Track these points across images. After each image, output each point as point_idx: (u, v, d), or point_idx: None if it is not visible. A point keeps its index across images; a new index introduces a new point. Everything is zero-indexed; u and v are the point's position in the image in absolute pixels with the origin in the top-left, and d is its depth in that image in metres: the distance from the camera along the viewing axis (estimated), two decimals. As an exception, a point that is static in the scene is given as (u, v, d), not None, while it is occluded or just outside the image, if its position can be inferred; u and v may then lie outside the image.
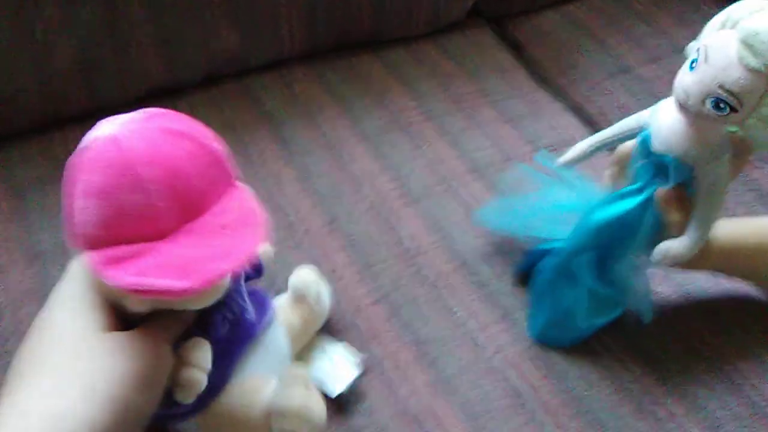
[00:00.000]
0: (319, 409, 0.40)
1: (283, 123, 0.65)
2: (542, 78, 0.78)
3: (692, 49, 0.39)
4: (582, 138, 0.50)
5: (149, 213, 0.31)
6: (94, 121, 0.62)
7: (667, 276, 0.56)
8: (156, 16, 0.62)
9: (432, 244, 0.57)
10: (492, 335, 0.52)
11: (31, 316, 0.48)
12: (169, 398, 0.36)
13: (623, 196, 0.46)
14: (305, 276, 0.48)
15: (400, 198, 0.60)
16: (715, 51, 0.37)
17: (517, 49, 0.81)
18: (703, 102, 0.38)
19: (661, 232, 0.45)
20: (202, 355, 0.37)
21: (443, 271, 0.55)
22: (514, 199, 0.55)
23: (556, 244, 0.51)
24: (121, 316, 0.35)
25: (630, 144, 0.47)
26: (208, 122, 0.35)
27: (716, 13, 0.39)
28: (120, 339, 0.33)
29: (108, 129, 0.32)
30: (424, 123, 0.67)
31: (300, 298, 0.47)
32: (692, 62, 0.38)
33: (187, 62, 0.66)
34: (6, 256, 0.53)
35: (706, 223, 0.43)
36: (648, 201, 0.45)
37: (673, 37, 0.80)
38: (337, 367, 0.47)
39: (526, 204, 0.54)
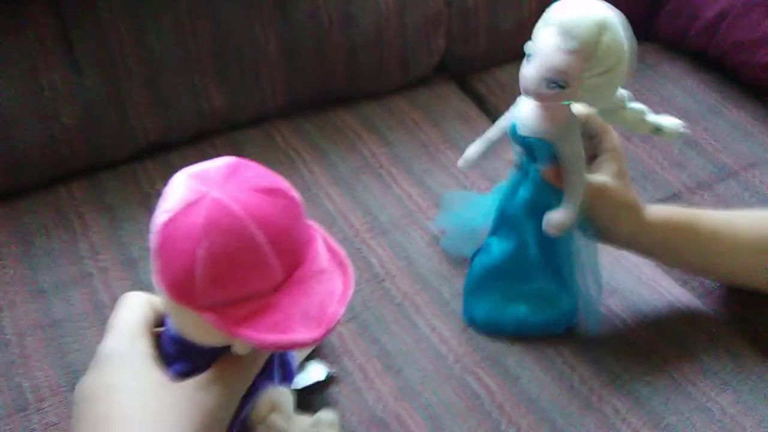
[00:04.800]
0: None
1: (265, 170, 0.73)
2: (503, 124, 0.86)
3: (527, 48, 0.47)
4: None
5: (266, 271, 0.34)
6: (97, 175, 0.70)
7: (614, 291, 0.62)
8: (152, 81, 0.70)
9: (398, 269, 0.63)
10: (452, 347, 0.57)
11: (34, 345, 0.55)
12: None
13: (517, 185, 0.54)
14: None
15: (370, 230, 0.66)
16: (540, 43, 0.46)
17: (479, 100, 0.89)
18: (540, 85, 0.46)
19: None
20: (289, 403, 0.42)
21: (408, 292, 0.61)
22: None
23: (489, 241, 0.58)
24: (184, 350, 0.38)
25: None
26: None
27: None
28: (190, 390, 0.36)
29: (196, 187, 0.34)
30: (393, 166, 0.74)
31: None
32: (528, 57, 0.47)
33: (180, 121, 0.74)
34: (13, 293, 0.59)
35: (576, 192, 0.50)
36: (535, 181, 0.52)
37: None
38: (308, 371, 0.52)
39: (471, 202, 0.63)
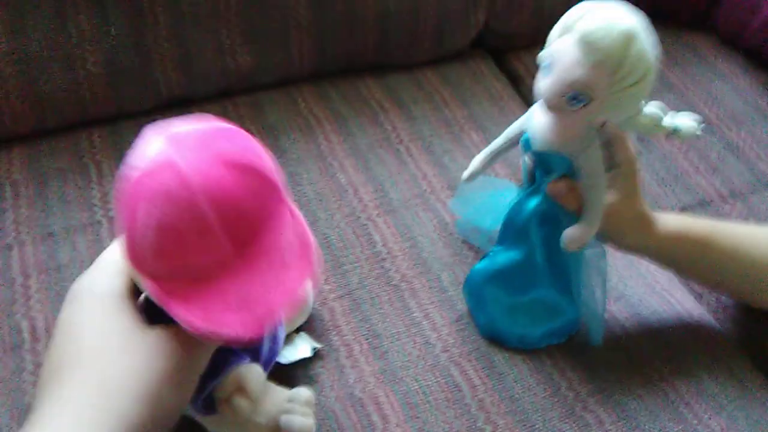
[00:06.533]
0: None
1: (282, 134, 0.72)
2: (536, 108, 0.83)
3: (542, 57, 0.44)
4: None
5: (210, 245, 0.32)
6: (118, 124, 0.71)
7: (621, 296, 0.59)
8: (178, 33, 0.70)
9: (401, 250, 0.62)
10: (442, 336, 0.56)
11: (37, 286, 0.56)
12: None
13: (528, 196, 0.51)
14: (306, 287, 0.52)
15: (378, 207, 0.65)
16: (560, 54, 0.42)
17: (515, 80, 0.86)
18: (560, 100, 0.43)
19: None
20: (257, 384, 0.41)
21: (407, 275, 0.60)
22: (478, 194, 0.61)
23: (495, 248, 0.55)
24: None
25: None
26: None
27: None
28: (160, 336, 0.35)
29: (164, 151, 0.32)
30: (412, 143, 0.73)
31: None
32: (545, 67, 0.43)
33: (203, 76, 0.74)
34: (24, 233, 0.61)
35: (595, 207, 0.48)
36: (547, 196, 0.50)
37: (664, 75, 0.84)
38: (295, 345, 0.52)
39: (484, 199, 0.60)
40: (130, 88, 0.71)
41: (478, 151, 0.72)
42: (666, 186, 0.71)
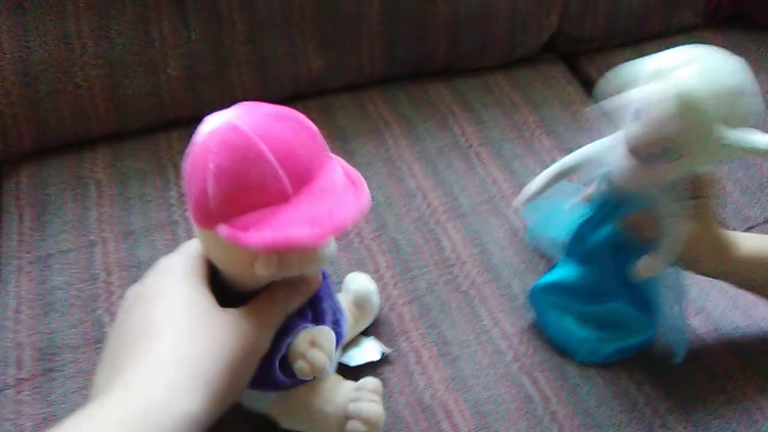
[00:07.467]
0: (384, 420, 0.46)
1: (352, 137, 0.73)
2: (610, 113, 0.80)
3: (635, 99, 0.41)
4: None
5: (273, 180, 0.36)
6: (195, 127, 0.73)
7: (702, 310, 0.57)
8: (254, 39, 0.72)
9: (470, 256, 0.61)
10: (513, 344, 0.55)
11: (118, 282, 0.58)
12: (262, 373, 0.41)
13: (601, 220, 0.49)
14: (368, 285, 0.53)
15: (447, 212, 0.65)
16: (653, 104, 0.39)
17: (588, 84, 0.84)
18: (650, 152, 0.40)
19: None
20: (329, 341, 0.42)
21: (477, 281, 0.59)
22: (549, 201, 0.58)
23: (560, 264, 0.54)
24: (223, 295, 0.39)
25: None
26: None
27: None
28: (234, 316, 0.37)
29: (223, 118, 0.37)
30: (482, 147, 0.72)
31: (361, 304, 0.53)
32: (636, 112, 0.40)
33: (277, 80, 0.75)
34: (108, 231, 0.63)
35: (673, 240, 0.46)
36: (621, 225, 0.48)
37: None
38: (364, 348, 0.52)
39: (555, 207, 0.57)
40: (207, 91, 0.73)
41: (549, 156, 0.72)
42: (750, 195, 0.68)
